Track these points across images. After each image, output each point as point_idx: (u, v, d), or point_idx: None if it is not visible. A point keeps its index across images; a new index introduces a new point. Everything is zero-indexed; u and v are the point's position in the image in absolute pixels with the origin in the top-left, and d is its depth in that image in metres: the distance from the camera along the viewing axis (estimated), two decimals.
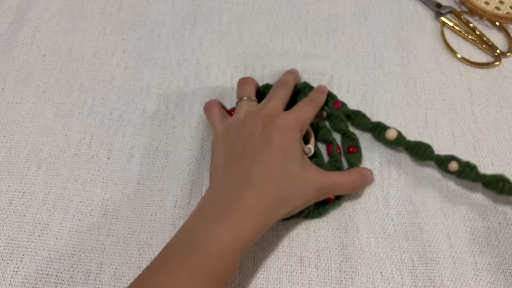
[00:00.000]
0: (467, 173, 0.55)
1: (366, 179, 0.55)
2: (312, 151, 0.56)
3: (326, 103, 0.60)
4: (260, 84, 0.62)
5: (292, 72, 0.61)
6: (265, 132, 0.50)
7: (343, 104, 0.61)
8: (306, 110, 0.55)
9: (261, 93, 0.61)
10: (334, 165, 0.56)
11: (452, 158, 0.55)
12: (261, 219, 0.45)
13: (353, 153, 0.58)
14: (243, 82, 0.59)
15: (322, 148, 0.59)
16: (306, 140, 0.57)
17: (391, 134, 0.57)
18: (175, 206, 0.55)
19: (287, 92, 0.57)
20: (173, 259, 0.43)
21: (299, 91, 0.61)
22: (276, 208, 0.47)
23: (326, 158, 0.59)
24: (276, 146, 0.49)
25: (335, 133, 0.60)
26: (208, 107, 0.57)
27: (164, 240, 0.53)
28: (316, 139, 0.59)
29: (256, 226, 0.45)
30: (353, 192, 0.55)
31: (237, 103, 0.57)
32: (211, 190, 0.49)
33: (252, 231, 0.45)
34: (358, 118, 0.60)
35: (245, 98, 0.56)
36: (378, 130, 0.58)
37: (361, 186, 0.55)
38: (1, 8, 0.72)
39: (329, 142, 0.59)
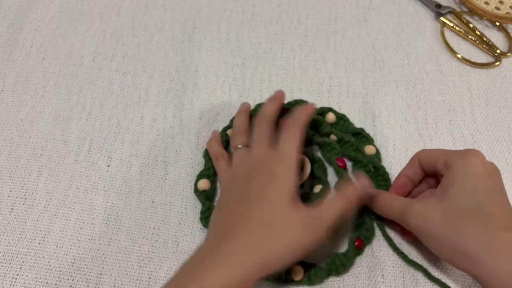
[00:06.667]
0: (341, 124, 0.60)
1: (354, 200, 0.50)
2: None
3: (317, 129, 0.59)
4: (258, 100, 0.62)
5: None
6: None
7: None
8: (292, 142, 0.50)
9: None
10: None
11: (329, 109, 0.61)
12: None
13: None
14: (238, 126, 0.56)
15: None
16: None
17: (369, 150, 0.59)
18: (180, 224, 0.55)
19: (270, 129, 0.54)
20: None
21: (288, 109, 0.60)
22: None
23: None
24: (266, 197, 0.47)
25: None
26: (215, 157, 0.56)
27: (166, 255, 0.53)
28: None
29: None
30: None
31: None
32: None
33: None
34: (342, 123, 0.61)
35: (239, 146, 0.53)
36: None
37: (351, 209, 0.50)
38: (0, 9, 0.72)
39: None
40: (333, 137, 0.59)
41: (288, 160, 0.48)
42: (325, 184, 0.55)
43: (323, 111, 0.60)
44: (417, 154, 0.52)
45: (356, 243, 0.52)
